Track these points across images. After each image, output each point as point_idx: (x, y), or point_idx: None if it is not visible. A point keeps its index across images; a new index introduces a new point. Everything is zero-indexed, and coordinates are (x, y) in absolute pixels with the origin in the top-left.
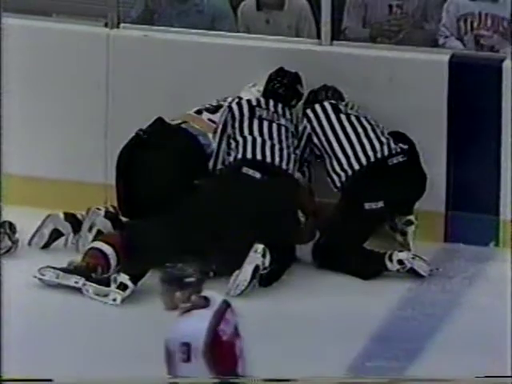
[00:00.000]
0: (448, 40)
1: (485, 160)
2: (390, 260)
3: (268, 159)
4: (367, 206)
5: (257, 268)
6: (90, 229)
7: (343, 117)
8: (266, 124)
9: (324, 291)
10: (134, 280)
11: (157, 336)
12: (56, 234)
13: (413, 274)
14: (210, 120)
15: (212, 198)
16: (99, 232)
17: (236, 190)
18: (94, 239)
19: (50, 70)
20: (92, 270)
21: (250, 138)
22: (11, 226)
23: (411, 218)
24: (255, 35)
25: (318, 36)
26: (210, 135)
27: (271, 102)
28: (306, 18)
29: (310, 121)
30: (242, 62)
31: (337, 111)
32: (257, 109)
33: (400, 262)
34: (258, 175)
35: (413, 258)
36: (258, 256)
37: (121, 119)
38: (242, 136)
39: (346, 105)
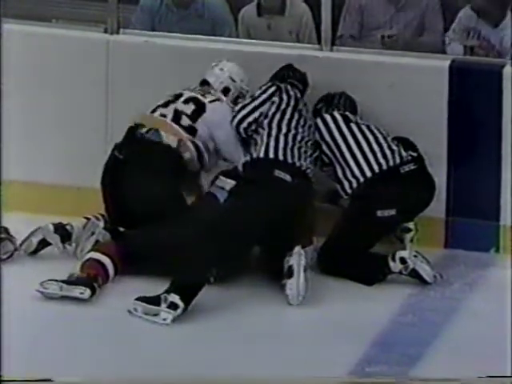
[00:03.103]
0: (452, 42)
1: (485, 166)
2: (393, 259)
3: (297, 163)
4: (379, 213)
5: (305, 270)
6: (89, 238)
7: (354, 126)
8: (302, 122)
9: (324, 296)
10: (186, 300)
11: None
12: (44, 244)
13: (417, 278)
14: (161, 115)
15: (245, 202)
16: (97, 242)
17: (269, 194)
18: (93, 246)
19: (50, 76)
20: (93, 280)
21: (282, 138)
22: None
23: (410, 225)
24: (256, 41)
25: (319, 41)
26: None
27: (299, 95)
28: (306, 23)
29: (318, 129)
30: (242, 67)
31: (347, 121)
32: (300, 100)
33: (402, 260)
34: (288, 178)
35: (415, 257)
36: (302, 258)
37: (121, 124)
38: (278, 127)
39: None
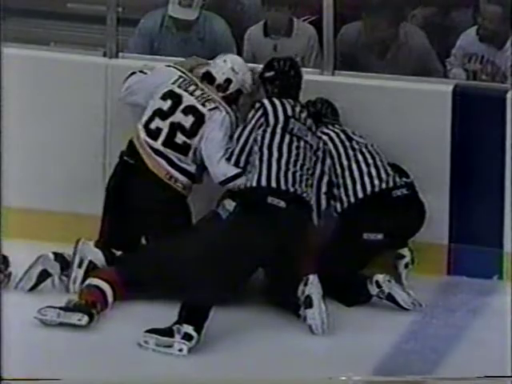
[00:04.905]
0: (454, 67)
1: (488, 191)
2: (371, 282)
3: (291, 189)
4: (366, 236)
5: (323, 298)
6: (81, 263)
7: (355, 145)
8: (295, 143)
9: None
10: (198, 330)
11: None
12: (44, 276)
13: (394, 303)
14: (156, 129)
15: (239, 229)
16: (91, 263)
17: (263, 221)
18: (86, 271)
19: (48, 100)
20: (92, 306)
21: (275, 164)
22: (5, 259)
23: (404, 251)
24: (258, 65)
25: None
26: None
27: (297, 108)
28: (313, 47)
29: (325, 143)
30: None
31: (349, 138)
32: (291, 120)
33: (377, 283)
34: (282, 204)
35: (389, 281)
36: (318, 287)
37: (120, 150)
38: (269, 151)
39: (354, 133)
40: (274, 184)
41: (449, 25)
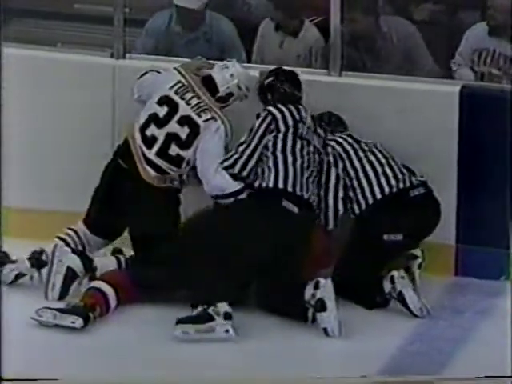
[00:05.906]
0: (460, 68)
1: (496, 192)
2: (386, 279)
3: (305, 195)
4: (386, 237)
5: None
6: (58, 270)
7: (365, 146)
8: (305, 148)
9: None
10: (232, 306)
11: None
12: (21, 276)
13: (403, 306)
14: (152, 137)
15: (251, 228)
16: (69, 269)
17: (275, 223)
18: (65, 278)
19: (55, 101)
20: (90, 309)
21: (291, 168)
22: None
23: (416, 252)
24: (264, 66)
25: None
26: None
27: (302, 112)
28: (317, 52)
29: (333, 148)
30: (251, 91)
31: (357, 141)
32: (299, 125)
33: (392, 279)
34: (296, 209)
35: (403, 278)
36: (331, 290)
37: None
38: (283, 155)
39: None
40: (290, 188)
41: (456, 25)
